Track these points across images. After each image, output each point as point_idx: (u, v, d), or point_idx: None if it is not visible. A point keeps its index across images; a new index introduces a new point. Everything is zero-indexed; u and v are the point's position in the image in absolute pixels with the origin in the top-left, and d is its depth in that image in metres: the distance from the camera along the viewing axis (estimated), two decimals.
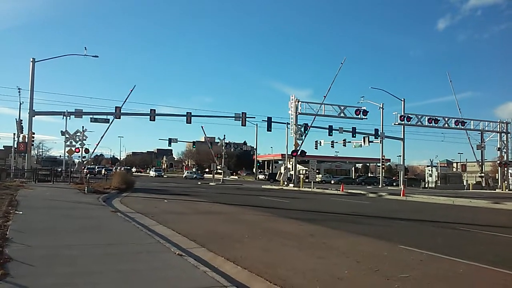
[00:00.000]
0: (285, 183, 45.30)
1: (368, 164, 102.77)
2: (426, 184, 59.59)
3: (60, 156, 62.19)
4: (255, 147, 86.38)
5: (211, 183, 47.00)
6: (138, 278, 5.39)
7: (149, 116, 42.09)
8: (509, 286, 6.32)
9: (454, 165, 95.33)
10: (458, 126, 51.23)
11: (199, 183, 50.02)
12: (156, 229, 10.20)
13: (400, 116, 49.42)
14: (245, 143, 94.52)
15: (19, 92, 42.01)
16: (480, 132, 54.53)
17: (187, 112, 44.79)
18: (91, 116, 39.12)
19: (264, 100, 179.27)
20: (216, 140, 59.70)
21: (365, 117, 45.81)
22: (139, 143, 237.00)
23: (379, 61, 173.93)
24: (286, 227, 11.66)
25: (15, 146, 41.73)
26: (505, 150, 54.34)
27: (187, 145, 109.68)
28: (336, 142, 59.06)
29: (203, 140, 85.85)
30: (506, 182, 52.51)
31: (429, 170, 63.36)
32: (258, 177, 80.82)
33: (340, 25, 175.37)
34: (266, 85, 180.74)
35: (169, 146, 67.51)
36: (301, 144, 44.70)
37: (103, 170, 61.06)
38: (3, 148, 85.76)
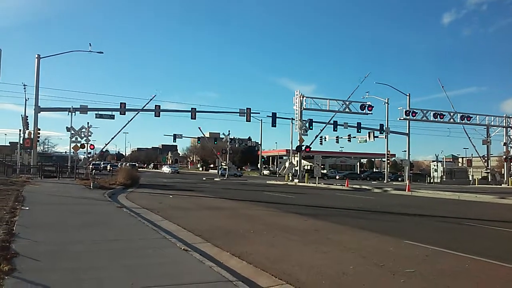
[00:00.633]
0: (290, 178, 45.31)
1: (373, 159, 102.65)
2: (432, 179, 59.38)
3: (65, 152, 62.38)
4: (259, 143, 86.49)
5: (215, 178, 47.07)
6: (144, 273, 5.41)
7: (154, 112, 42.17)
8: None
9: (460, 160, 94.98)
10: (463, 121, 50.84)
11: (204, 178, 50.14)
12: (162, 224, 10.25)
13: (406, 111, 49.10)
14: (249, 138, 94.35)
15: (25, 88, 42.54)
16: (486, 127, 54.10)
17: (191, 108, 44.99)
18: (96, 112, 39.40)
19: (269, 96, 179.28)
20: (221, 136, 59.73)
21: (370, 112, 45.59)
22: (144, 139, 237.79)
23: (384, 55, 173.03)
24: (291, 222, 11.67)
25: (21, 142, 41.95)
26: (511, 145, 53.92)
27: (191, 141, 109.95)
28: (341, 138, 59.10)
29: (208, 135, 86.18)
30: None
31: (434, 165, 63.10)
32: (263, 173, 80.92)
33: (345, 20, 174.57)
34: (270, 80, 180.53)
35: (174, 141, 67.77)
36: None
37: (108, 166, 61.48)
38: (9, 144, 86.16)
